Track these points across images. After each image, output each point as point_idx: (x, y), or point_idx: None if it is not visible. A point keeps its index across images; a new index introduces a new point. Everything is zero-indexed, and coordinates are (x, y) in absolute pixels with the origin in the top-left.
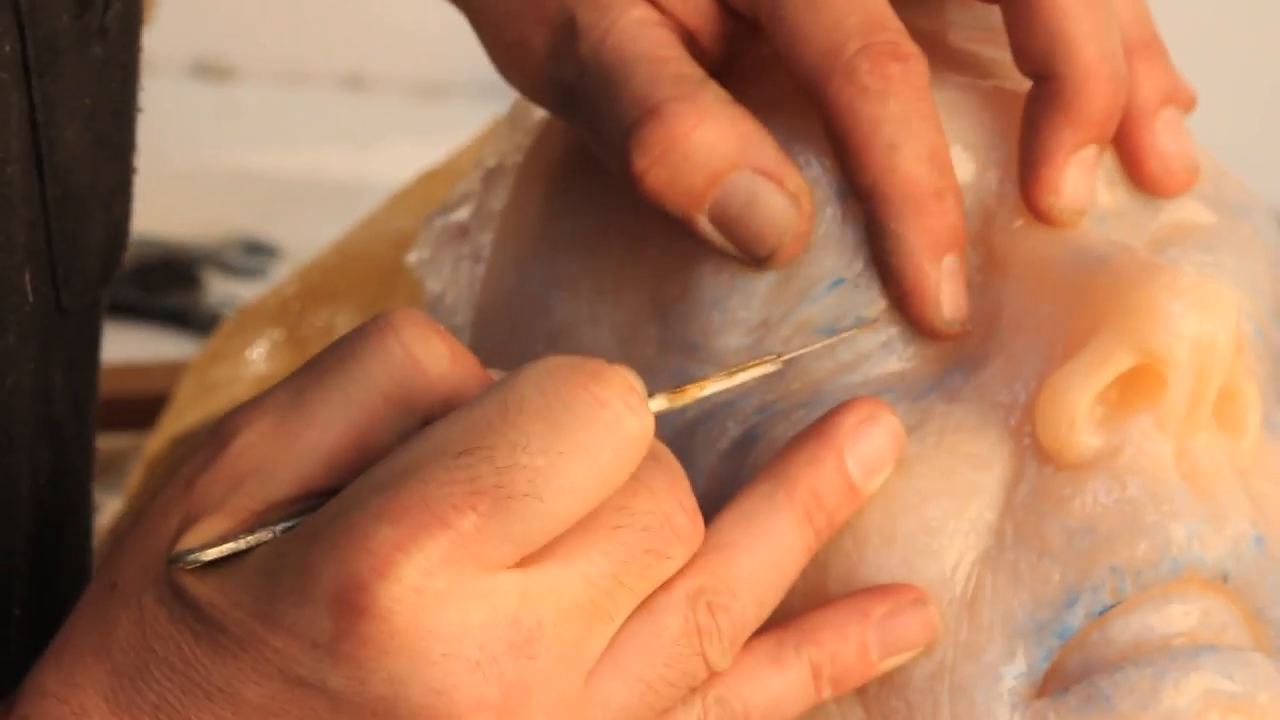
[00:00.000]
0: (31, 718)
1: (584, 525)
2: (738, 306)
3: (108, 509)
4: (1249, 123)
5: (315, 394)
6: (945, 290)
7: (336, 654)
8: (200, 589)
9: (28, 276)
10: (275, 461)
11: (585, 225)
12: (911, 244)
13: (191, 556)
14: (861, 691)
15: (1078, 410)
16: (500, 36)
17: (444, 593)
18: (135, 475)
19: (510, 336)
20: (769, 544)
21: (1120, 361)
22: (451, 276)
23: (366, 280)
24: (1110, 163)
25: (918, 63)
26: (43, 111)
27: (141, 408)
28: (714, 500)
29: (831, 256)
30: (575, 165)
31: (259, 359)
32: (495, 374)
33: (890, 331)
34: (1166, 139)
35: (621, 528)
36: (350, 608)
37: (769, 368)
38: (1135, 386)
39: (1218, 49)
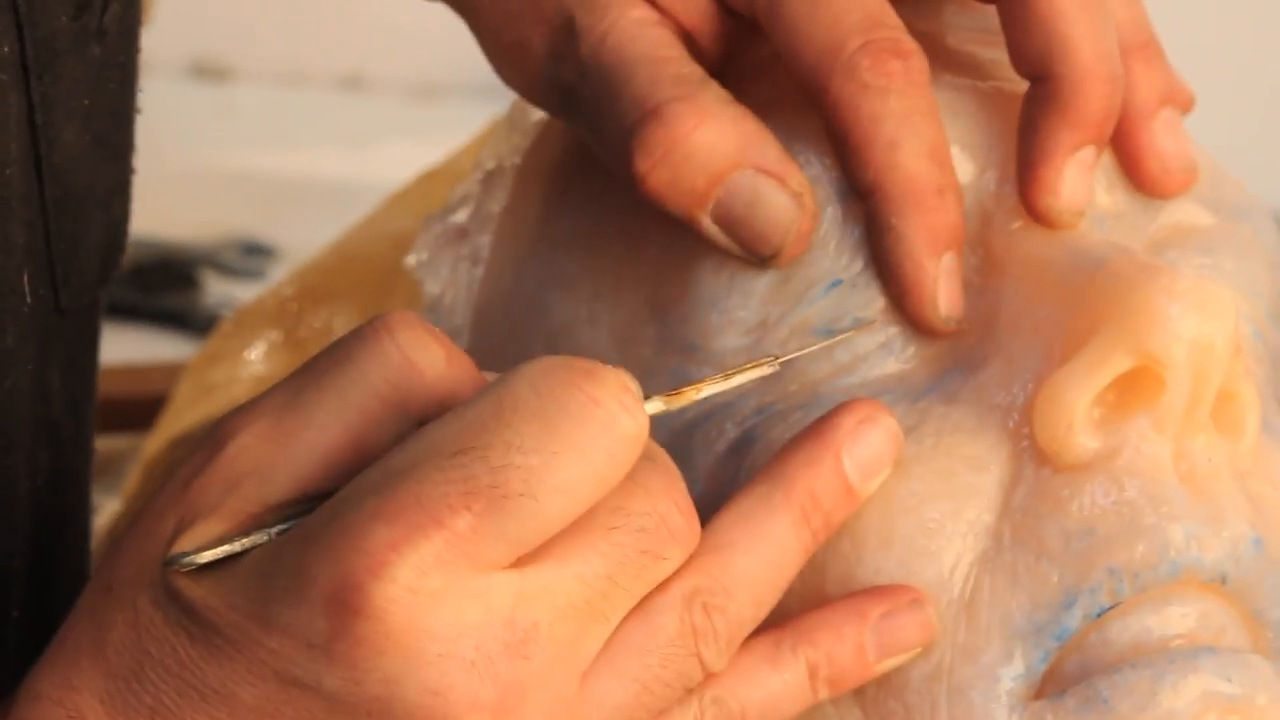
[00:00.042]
0: None
1: (580, 526)
2: (736, 307)
3: (105, 510)
4: (1248, 124)
5: (311, 397)
6: (942, 287)
7: (332, 654)
8: (195, 591)
9: (26, 277)
10: (271, 464)
11: (583, 226)
12: (911, 240)
13: (187, 559)
14: (859, 693)
15: (1076, 412)
16: (499, 38)
17: (439, 592)
18: (133, 476)
19: (509, 338)
20: (766, 545)
21: (1118, 363)
22: (450, 278)
23: (365, 281)
24: (1109, 165)
25: (918, 59)
26: (41, 112)
27: (139, 409)
28: (712, 502)
29: (830, 258)
30: (573, 167)
31: (257, 360)
32: (491, 376)
33: (888, 333)
34: (1164, 139)
35: (617, 528)
36: (345, 608)
37: (765, 370)
38: (1133, 388)
39: (1216, 51)
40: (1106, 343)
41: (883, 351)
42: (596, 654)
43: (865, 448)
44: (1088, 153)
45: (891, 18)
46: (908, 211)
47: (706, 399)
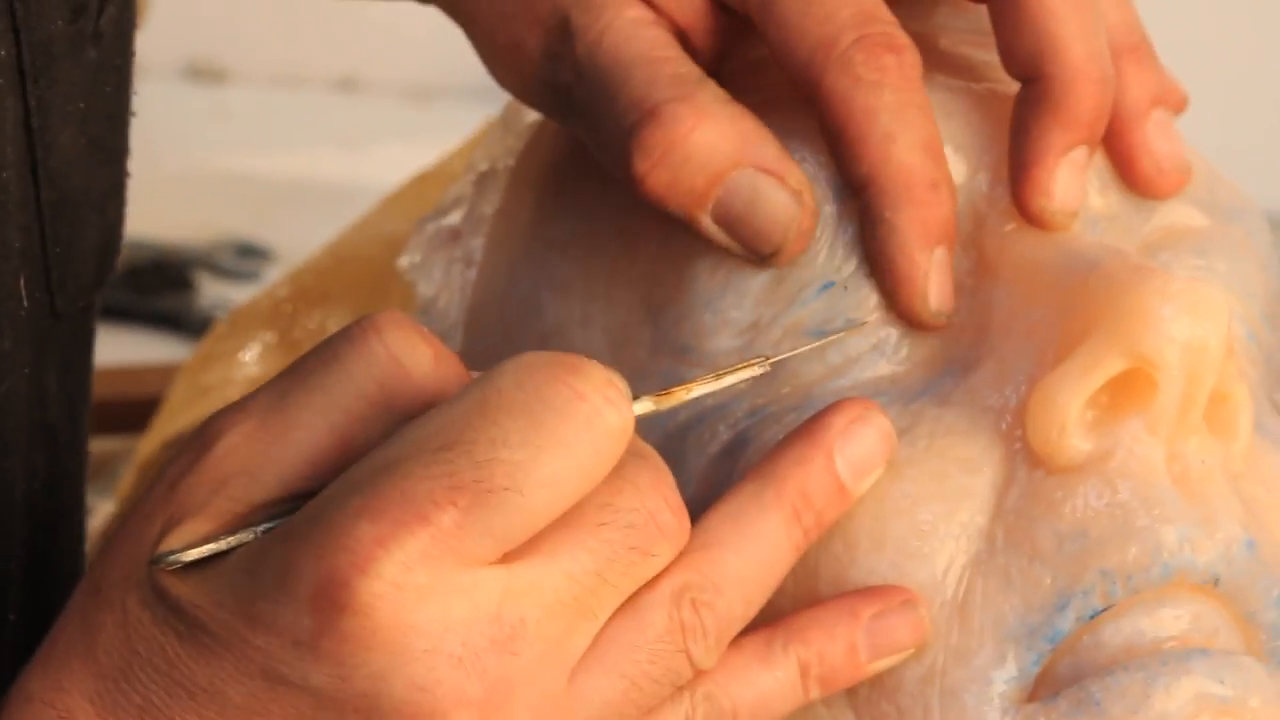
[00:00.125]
0: None
1: (568, 522)
2: (729, 307)
3: (100, 512)
4: (1242, 126)
5: (298, 397)
6: (933, 281)
7: (318, 651)
8: (182, 589)
9: (22, 281)
10: (258, 464)
11: (577, 228)
12: (904, 233)
13: (173, 558)
14: (852, 695)
15: (1069, 414)
16: (493, 40)
17: (425, 588)
18: (127, 478)
19: (502, 340)
20: (756, 542)
21: (1111, 365)
22: (443, 280)
23: (359, 283)
24: (1102, 166)
25: (911, 54)
26: (37, 116)
27: (134, 410)
28: (704, 504)
29: (823, 259)
30: (567, 168)
31: (251, 361)
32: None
33: (880, 335)
34: (1157, 140)
35: (606, 524)
36: (331, 604)
37: (756, 370)
38: (1126, 390)
39: (1211, 53)
40: (1099, 345)
41: (875, 353)
42: (585, 650)
43: (857, 447)
44: (1080, 153)
45: (884, 13)
46: (901, 204)
47: (699, 400)
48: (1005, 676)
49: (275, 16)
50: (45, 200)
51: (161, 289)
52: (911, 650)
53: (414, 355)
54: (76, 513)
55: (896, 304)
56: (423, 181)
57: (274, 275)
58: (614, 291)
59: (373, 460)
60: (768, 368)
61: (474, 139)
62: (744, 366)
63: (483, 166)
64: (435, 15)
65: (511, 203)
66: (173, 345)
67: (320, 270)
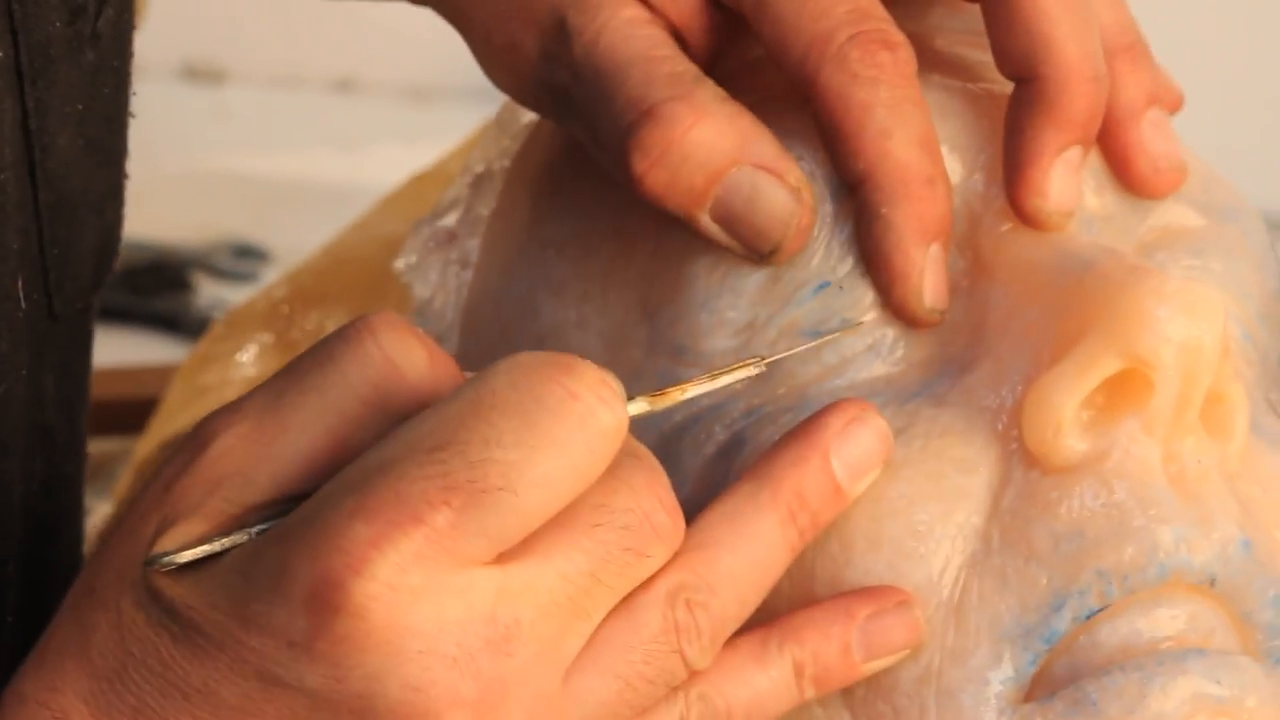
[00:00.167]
0: None
1: (563, 522)
2: (726, 307)
3: (97, 513)
4: (1238, 126)
5: (293, 398)
6: (928, 277)
7: (313, 652)
8: (176, 590)
9: (20, 283)
10: (252, 465)
11: (573, 229)
12: (900, 229)
13: (167, 559)
14: (848, 695)
15: (1064, 414)
16: (489, 41)
17: (419, 589)
18: (125, 479)
19: (498, 341)
20: (751, 543)
21: (1107, 365)
22: (439, 282)
23: (356, 284)
24: (1098, 166)
25: (905, 51)
26: (36, 118)
27: (131, 411)
28: (700, 505)
29: (819, 259)
30: (562, 169)
31: (249, 362)
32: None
33: (876, 335)
34: (1153, 139)
35: (601, 525)
36: (325, 605)
37: (752, 370)
38: (1122, 390)
39: (1207, 53)
40: (1095, 345)
41: (871, 354)
42: (579, 651)
43: (854, 448)
44: (1074, 153)
45: (879, 10)
46: (898, 200)
47: (694, 401)
48: (1001, 677)
49: (273, 17)
50: (43, 202)
51: (159, 290)
52: (907, 651)
53: (409, 356)
54: (75, 514)
55: (891, 300)
56: (421, 182)
57: (271, 276)
58: (610, 292)
59: (367, 461)
60: (763, 368)
61: (472, 140)
62: (739, 366)
63: (478, 168)
64: (433, 16)
65: (507, 204)
66: (170, 346)
67: (318, 271)
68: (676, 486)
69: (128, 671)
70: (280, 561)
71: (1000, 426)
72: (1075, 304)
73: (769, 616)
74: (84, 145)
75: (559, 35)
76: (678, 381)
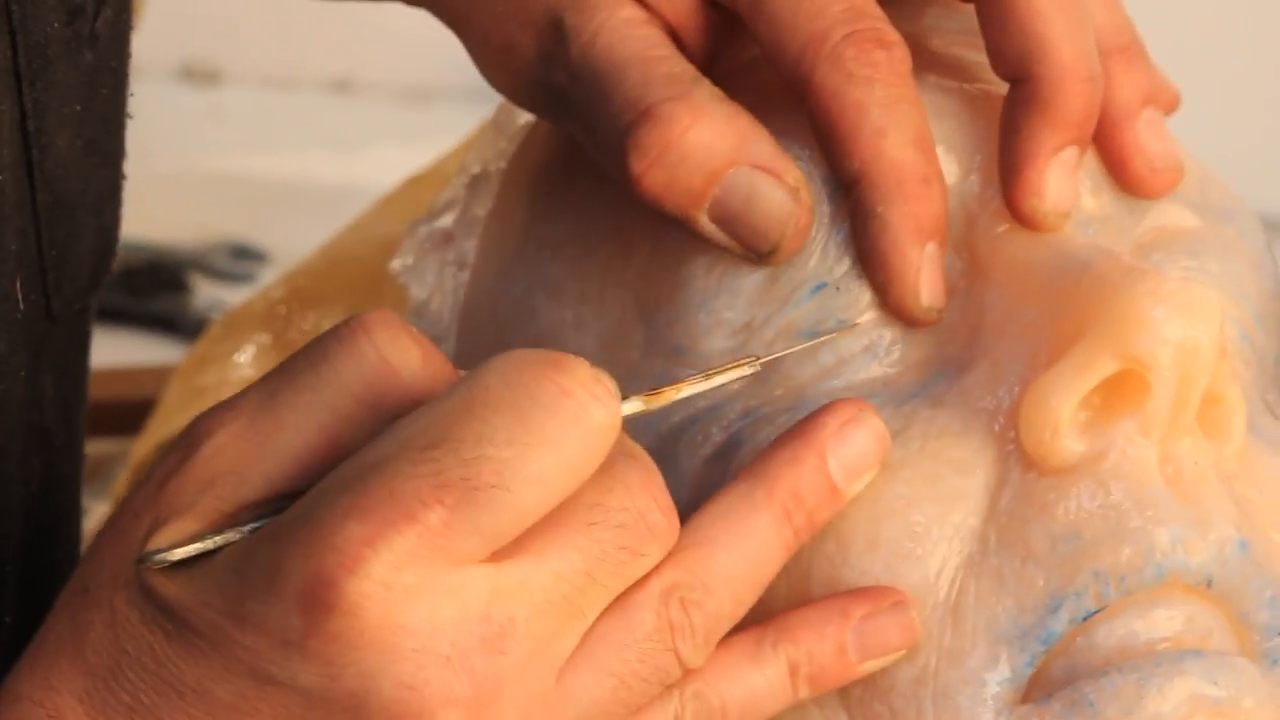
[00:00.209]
0: None
1: (557, 521)
2: (723, 308)
3: (96, 514)
4: (1234, 127)
5: (286, 397)
6: (925, 276)
7: (306, 651)
8: (170, 589)
9: (18, 284)
10: (245, 464)
11: (569, 230)
12: (896, 229)
13: (159, 556)
14: (845, 695)
15: (1062, 415)
16: (486, 41)
17: (413, 588)
18: (123, 480)
19: (496, 341)
20: (746, 542)
21: (1104, 367)
22: (436, 283)
23: (353, 284)
24: (1094, 168)
25: (901, 50)
26: (34, 119)
27: (129, 412)
28: (697, 505)
29: (816, 260)
30: (559, 170)
31: (246, 363)
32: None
33: (873, 336)
34: (1149, 139)
35: (596, 524)
36: (319, 604)
37: (746, 370)
38: (1119, 391)
39: (1203, 54)
40: (1092, 346)
41: (868, 355)
42: (574, 649)
43: (850, 448)
44: (1070, 153)
45: (874, 9)
46: (893, 199)
47: (692, 403)
48: (998, 678)
49: (270, 18)
50: (41, 203)
51: (156, 291)
52: (902, 652)
53: (402, 355)
54: (73, 515)
55: (888, 299)
56: (417, 183)
57: (269, 277)
58: (607, 292)
59: (361, 459)
60: (758, 368)
61: (469, 141)
62: (734, 366)
63: (475, 169)
64: (429, 17)
65: (503, 205)
66: (167, 347)
67: (315, 272)
68: (674, 488)
69: (122, 670)
70: (274, 560)
71: (997, 428)
72: (1072, 305)
73: (765, 616)
74: (82, 146)
75: (556, 36)
76: (675, 382)
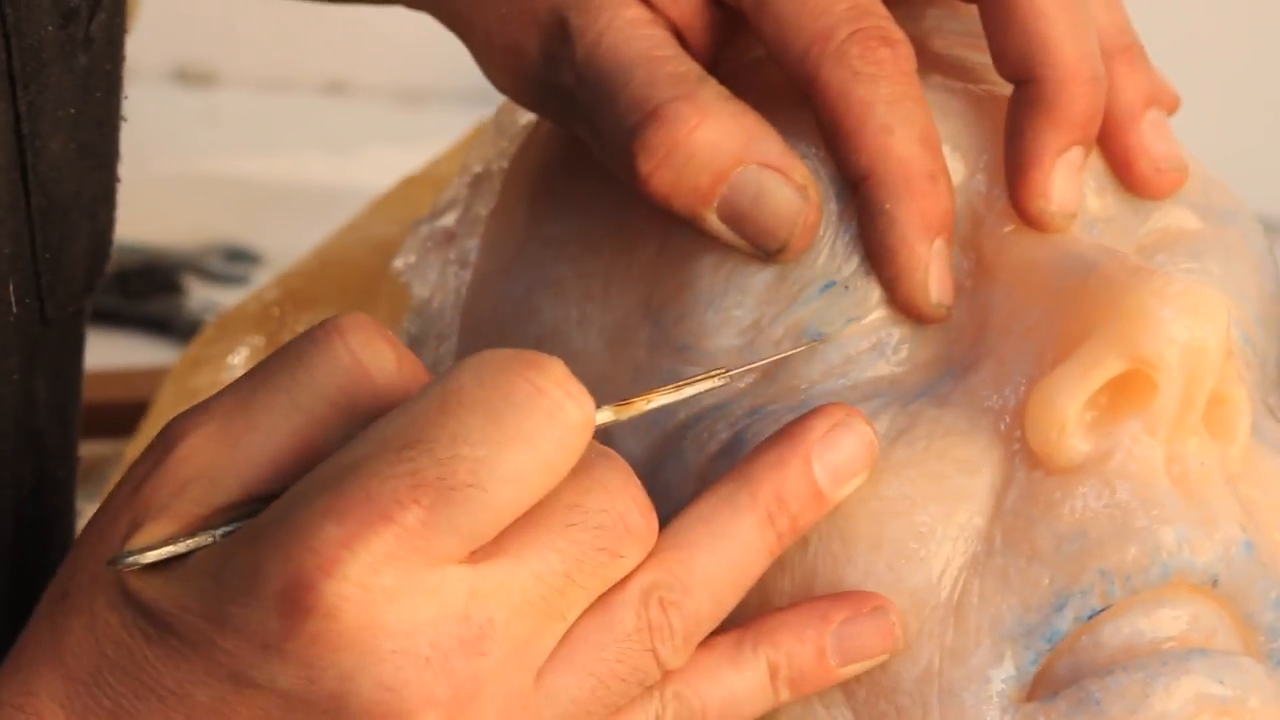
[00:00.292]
0: None
1: (536, 522)
2: (732, 306)
3: (88, 516)
4: (1235, 129)
5: (261, 399)
6: (933, 272)
7: (285, 653)
8: (149, 592)
9: (12, 287)
10: (220, 466)
11: (573, 229)
12: (904, 225)
13: (131, 559)
14: (850, 694)
15: (1068, 415)
16: (490, 42)
17: (391, 589)
18: (116, 482)
19: (498, 340)
20: (728, 544)
21: (1111, 366)
22: (438, 281)
23: (347, 286)
24: (1099, 169)
25: (905, 48)
26: (28, 122)
27: (122, 414)
28: None
29: (824, 258)
30: (561, 169)
31: (240, 365)
32: None
33: (881, 335)
34: (1154, 140)
35: (574, 525)
36: (297, 607)
37: (716, 382)
38: (1125, 391)
39: (1203, 55)
40: (1099, 346)
41: (875, 354)
42: (553, 650)
43: (837, 453)
44: (1075, 154)
45: (878, 7)
46: (901, 196)
47: (698, 400)
48: (1003, 676)
49: (264, 20)
50: (35, 206)
51: (150, 293)
52: (884, 656)
53: (377, 358)
54: (66, 517)
55: (896, 296)
56: (411, 185)
57: (262, 279)
58: (612, 290)
59: (337, 460)
60: (728, 379)
61: (463, 142)
62: (704, 378)
63: (477, 169)
64: (423, 18)
65: (506, 204)
66: (161, 349)
67: (308, 274)
68: (679, 484)
69: (102, 674)
70: (252, 562)
71: (1003, 427)
72: (1079, 305)
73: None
74: (76, 149)
75: (561, 36)
76: (682, 379)
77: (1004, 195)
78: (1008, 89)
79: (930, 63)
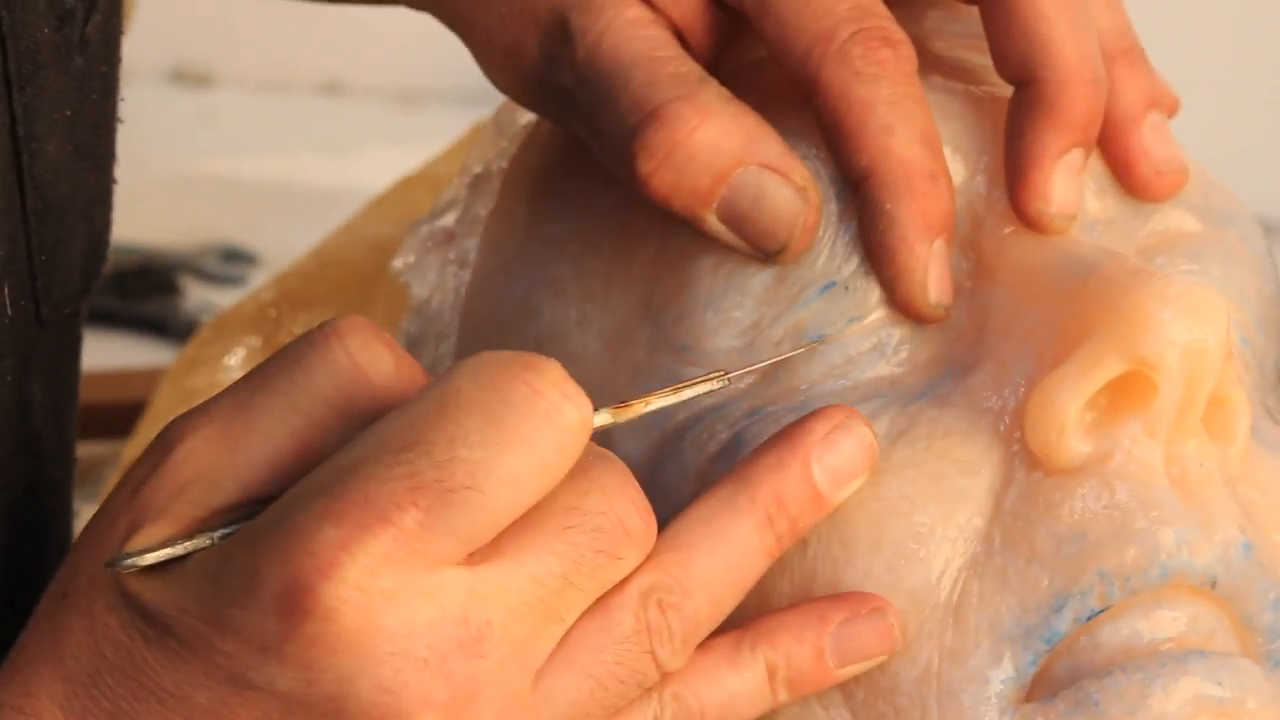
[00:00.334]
0: None
1: (535, 524)
2: (732, 307)
3: (86, 517)
4: (1235, 131)
5: (259, 401)
6: (933, 273)
7: (283, 655)
8: (148, 594)
9: (7, 289)
10: (218, 468)
11: (572, 229)
12: (904, 225)
13: (129, 561)
14: (849, 695)
15: (1067, 416)
16: (490, 42)
17: (390, 591)
18: (113, 483)
19: (497, 341)
20: (727, 546)
21: (1110, 368)
22: (437, 282)
23: (344, 287)
24: (1099, 170)
25: (906, 48)
26: (24, 124)
27: (119, 415)
28: None
29: (824, 259)
30: (561, 169)
31: (236, 366)
32: None
33: (881, 335)
34: (1154, 142)
35: (573, 528)
36: (295, 609)
37: (715, 384)
38: (1125, 393)
39: (1203, 57)
40: (1099, 347)
41: (875, 354)
42: (551, 652)
43: (836, 455)
44: (1075, 155)
45: (880, 8)
46: (901, 196)
47: (698, 401)
48: (1002, 676)
49: (261, 21)
50: (31, 208)
51: (147, 293)
52: (883, 657)
53: (375, 361)
54: (64, 519)
55: (897, 296)
56: (408, 185)
57: (259, 279)
58: (612, 289)
59: (335, 463)
60: (727, 382)
61: (460, 143)
62: (702, 380)
63: (476, 169)
64: (420, 19)
65: (505, 203)
66: (158, 350)
67: (305, 274)
68: (678, 484)
69: (101, 675)
70: (250, 565)
71: (1003, 428)
72: (1078, 306)
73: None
74: (72, 151)
75: (562, 36)
76: (682, 380)
77: (1004, 197)
78: (1008, 91)
79: (931, 64)
